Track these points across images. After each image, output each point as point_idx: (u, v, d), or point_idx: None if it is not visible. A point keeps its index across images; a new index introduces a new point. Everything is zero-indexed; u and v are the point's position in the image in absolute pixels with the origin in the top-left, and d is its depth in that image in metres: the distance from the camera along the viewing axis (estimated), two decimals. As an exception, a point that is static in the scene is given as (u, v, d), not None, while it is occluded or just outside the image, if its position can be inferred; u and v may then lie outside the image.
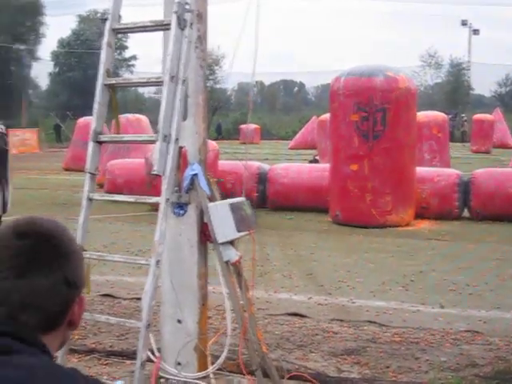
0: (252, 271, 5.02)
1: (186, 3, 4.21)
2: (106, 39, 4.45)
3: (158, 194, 4.18)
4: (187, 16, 4.22)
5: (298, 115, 64.75)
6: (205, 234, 4.73)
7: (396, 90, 12.83)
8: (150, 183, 13.72)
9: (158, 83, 4.50)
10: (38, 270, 1.47)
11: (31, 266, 1.47)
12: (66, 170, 26.63)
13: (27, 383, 1.35)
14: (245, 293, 4.92)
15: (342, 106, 13.14)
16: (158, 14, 4.78)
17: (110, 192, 15.07)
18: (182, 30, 4.19)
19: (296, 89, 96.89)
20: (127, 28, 4.64)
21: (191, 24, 4.26)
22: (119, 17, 4.57)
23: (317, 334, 6.50)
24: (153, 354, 4.81)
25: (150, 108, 55.23)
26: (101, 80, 4.38)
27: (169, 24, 4.21)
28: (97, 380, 1.52)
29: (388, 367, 5.70)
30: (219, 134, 56.16)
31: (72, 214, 9.32)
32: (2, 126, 9.11)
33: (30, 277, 1.46)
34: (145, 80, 4.81)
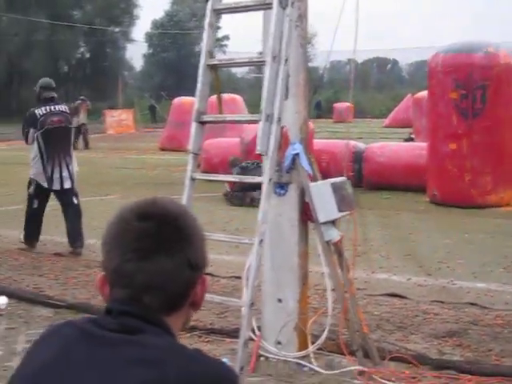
0: (353, 251, 4.98)
1: (288, -18, 4.19)
2: (207, 19, 4.47)
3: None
4: (288, -5, 4.20)
5: (392, 93, 63.72)
6: (306, 214, 4.73)
7: (497, 66, 12.44)
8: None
9: (260, 63, 4.50)
10: (162, 251, 1.47)
11: (155, 248, 1.46)
12: (162, 149, 26.98)
13: (154, 362, 1.36)
14: (345, 273, 4.90)
15: (441, 84, 12.83)
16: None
17: (206, 171, 15.22)
18: (284, 8, 4.18)
19: (389, 66, 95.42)
20: (229, 8, 4.64)
21: (292, 3, 4.24)
22: (220, -3, 4.59)
23: (417, 316, 6.41)
24: (253, 332, 4.84)
25: (243, 88, 55.54)
26: (203, 60, 4.41)
27: (271, 3, 4.20)
28: (220, 361, 1.52)
29: (490, 350, 5.58)
30: (319, 110, 55.88)
31: (172, 194, 9.48)
32: (65, 106, 9.47)
33: (154, 259, 1.46)
34: (247, 60, 4.81)
